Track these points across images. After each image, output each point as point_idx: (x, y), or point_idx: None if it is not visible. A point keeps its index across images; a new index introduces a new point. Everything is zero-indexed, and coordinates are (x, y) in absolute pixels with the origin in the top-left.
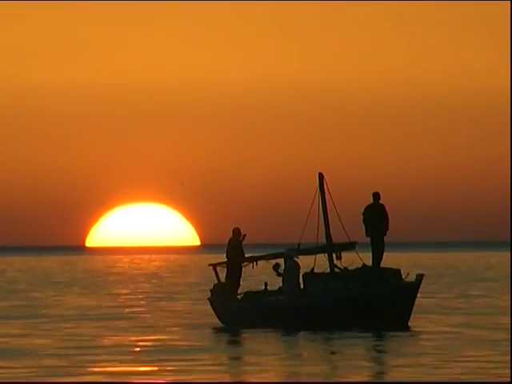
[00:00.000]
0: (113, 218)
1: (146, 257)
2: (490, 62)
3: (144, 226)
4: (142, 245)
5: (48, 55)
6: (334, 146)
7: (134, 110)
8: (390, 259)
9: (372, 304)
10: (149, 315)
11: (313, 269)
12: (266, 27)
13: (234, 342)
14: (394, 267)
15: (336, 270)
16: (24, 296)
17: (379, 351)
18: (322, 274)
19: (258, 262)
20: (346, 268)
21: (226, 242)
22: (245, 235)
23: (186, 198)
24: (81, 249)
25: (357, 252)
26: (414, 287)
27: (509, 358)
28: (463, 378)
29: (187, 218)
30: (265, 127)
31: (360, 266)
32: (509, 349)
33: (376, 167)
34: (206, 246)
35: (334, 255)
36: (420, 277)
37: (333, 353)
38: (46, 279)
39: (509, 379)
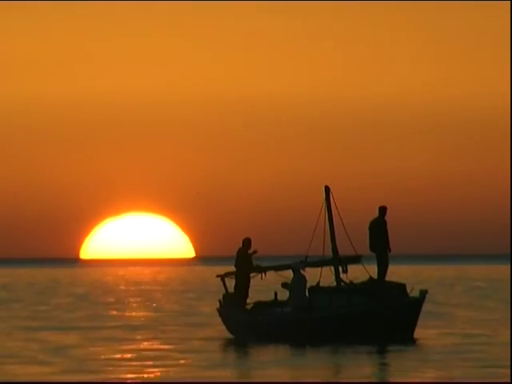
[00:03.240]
0: (106, 229)
1: (150, 269)
2: (490, 65)
3: (138, 236)
4: (137, 256)
5: (42, 65)
6: (340, 159)
7: (127, 120)
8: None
9: (375, 320)
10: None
11: (318, 282)
12: (265, 37)
13: (241, 354)
14: (399, 282)
15: (342, 283)
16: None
17: (383, 366)
18: (327, 288)
19: (267, 273)
20: (351, 282)
21: (221, 255)
22: (256, 251)
23: (181, 208)
24: (75, 261)
25: (363, 265)
26: (418, 303)
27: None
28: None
29: (182, 229)
30: (269, 139)
31: (366, 279)
32: (509, 348)
33: (383, 179)
34: (201, 259)
35: (340, 268)
36: (424, 292)
37: (335, 367)
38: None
39: (509, 379)
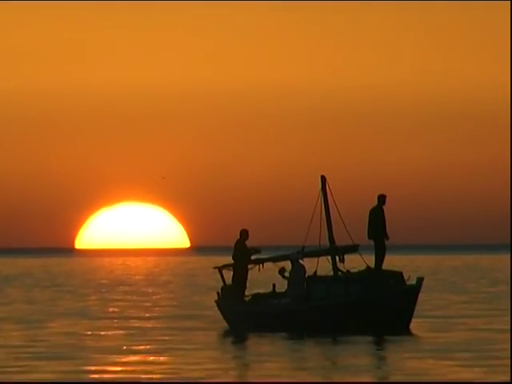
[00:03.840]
0: (101, 219)
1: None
2: (490, 63)
3: (134, 226)
4: (132, 246)
5: (33, 58)
6: (336, 149)
7: (121, 111)
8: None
9: (372, 309)
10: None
11: (315, 272)
12: (264, 28)
13: (238, 345)
14: (395, 270)
15: (339, 273)
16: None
17: (380, 355)
18: (325, 278)
19: (264, 265)
20: (348, 271)
21: (216, 245)
22: (258, 250)
23: (177, 198)
24: (70, 251)
25: (360, 254)
26: (415, 291)
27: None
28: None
29: (178, 219)
30: (266, 130)
31: (363, 268)
32: (509, 348)
33: (379, 169)
34: (196, 248)
35: (337, 258)
36: (420, 280)
37: (333, 357)
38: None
39: (509, 379)
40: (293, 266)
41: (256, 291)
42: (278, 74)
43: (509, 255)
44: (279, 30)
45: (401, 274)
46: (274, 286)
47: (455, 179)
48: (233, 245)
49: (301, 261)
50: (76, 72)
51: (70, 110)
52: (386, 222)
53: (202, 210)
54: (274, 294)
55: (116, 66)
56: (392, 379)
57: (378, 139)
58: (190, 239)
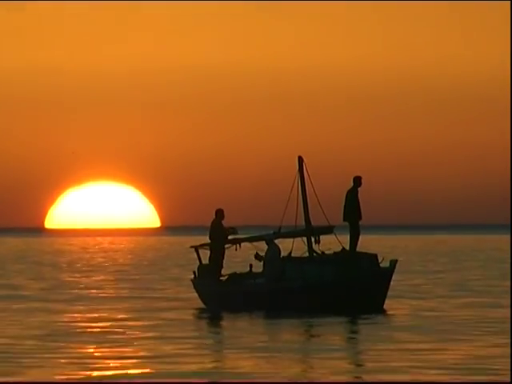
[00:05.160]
0: (71, 198)
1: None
2: (490, 56)
3: (104, 205)
4: (102, 226)
5: (14, 40)
6: (313, 129)
7: (94, 88)
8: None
9: (346, 290)
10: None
11: (290, 253)
12: (249, 10)
13: (215, 325)
14: (370, 252)
15: (314, 254)
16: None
17: (354, 336)
18: (299, 259)
19: (242, 245)
20: (323, 252)
21: (187, 225)
22: (234, 229)
23: (148, 177)
24: (40, 230)
25: (336, 235)
26: (388, 273)
27: (509, 357)
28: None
29: (149, 198)
30: (240, 111)
31: (339, 250)
32: (509, 349)
33: (356, 150)
34: (166, 228)
35: (312, 239)
36: (394, 262)
37: (309, 337)
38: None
39: (509, 379)
40: (268, 247)
41: (233, 271)
42: (255, 56)
43: (508, 236)
44: (258, 13)
45: (375, 255)
46: (250, 266)
47: (454, 161)
48: (203, 224)
49: (276, 241)
50: (42, 49)
51: (40, 89)
52: (361, 204)
53: (174, 189)
54: (251, 274)
55: (94, 48)
56: (364, 357)
57: (356, 120)
58: (161, 219)
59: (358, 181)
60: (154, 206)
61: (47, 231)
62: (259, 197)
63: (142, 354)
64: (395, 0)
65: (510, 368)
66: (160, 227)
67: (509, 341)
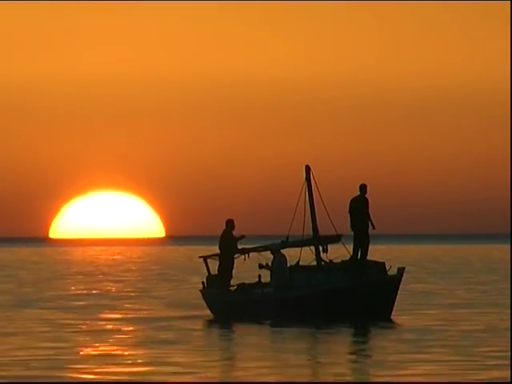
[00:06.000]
0: (75, 208)
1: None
2: (489, 63)
3: (108, 215)
4: (107, 236)
5: (9, 49)
6: (321, 139)
7: (94, 99)
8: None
9: (353, 298)
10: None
11: (298, 262)
12: (250, 20)
13: (223, 335)
14: (378, 260)
15: (322, 263)
16: None
17: (362, 347)
18: (307, 267)
19: (250, 255)
20: (331, 261)
21: (192, 235)
22: (243, 236)
23: (153, 186)
24: (44, 240)
25: (344, 244)
26: (395, 281)
27: (509, 358)
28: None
29: (153, 208)
30: (248, 120)
31: (348, 258)
32: (509, 348)
33: (363, 159)
34: (171, 238)
35: (320, 248)
36: (401, 270)
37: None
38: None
39: (509, 379)
40: (274, 256)
41: (242, 281)
42: (263, 65)
43: (508, 245)
44: (266, 22)
45: (383, 263)
46: (259, 276)
47: (453, 169)
48: (211, 234)
49: (283, 250)
50: (47, 59)
51: (43, 99)
52: (371, 212)
53: (179, 199)
54: (259, 284)
55: (94, 57)
56: (372, 370)
57: (363, 130)
58: (166, 229)
59: (364, 189)
60: (159, 216)
61: (51, 241)
62: (265, 206)
63: (152, 360)
64: (397, 0)
65: (510, 368)
66: (165, 237)
67: (509, 341)
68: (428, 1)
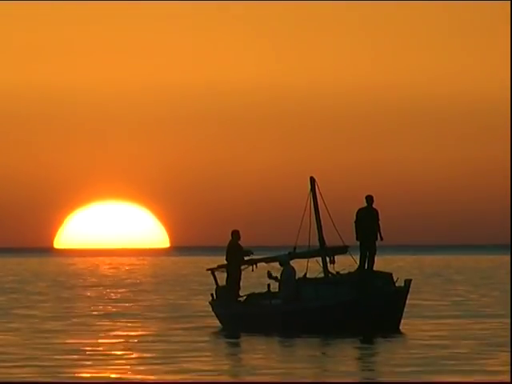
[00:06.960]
0: (80, 218)
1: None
2: (490, 63)
3: (113, 225)
4: (112, 246)
5: (11, 56)
6: (325, 148)
7: (101, 109)
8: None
9: (361, 310)
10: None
11: (305, 274)
12: (253, 30)
13: (232, 345)
14: (385, 271)
15: (329, 274)
16: None
17: (370, 356)
18: (314, 280)
19: (258, 265)
20: (338, 272)
21: (197, 245)
22: (251, 253)
23: (157, 196)
24: (49, 250)
25: (351, 255)
26: (403, 292)
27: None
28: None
29: (158, 218)
30: (253, 130)
31: (354, 270)
32: (509, 349)
33: (369, 170)
34: (176, 248)
35: (327, 259)
36: (408, 282)
37: (323, 356)
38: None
39: (509, 379)
40: (283, 268)
41: (251, 291)
42: (268, 75)
43: (509, 255)
44: (273, 31)
45: (390, 274)
46: (268, 286)
47: (454, 178)
48: (213, 244)
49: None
50: (50, 68)
51: (46, 110)
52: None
53: (184, 209)
54: (269, 294)
55: (103, 65)
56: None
57: (368, 140)
58: (170, 239)
59: (371, 200)
60: (164, 226)
61: (56, 251)
62: (270, 216)
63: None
64: (401, 0)
65: (510, 368)
66: (169, 247)
67: (509, 341)
68: (430, 9)
